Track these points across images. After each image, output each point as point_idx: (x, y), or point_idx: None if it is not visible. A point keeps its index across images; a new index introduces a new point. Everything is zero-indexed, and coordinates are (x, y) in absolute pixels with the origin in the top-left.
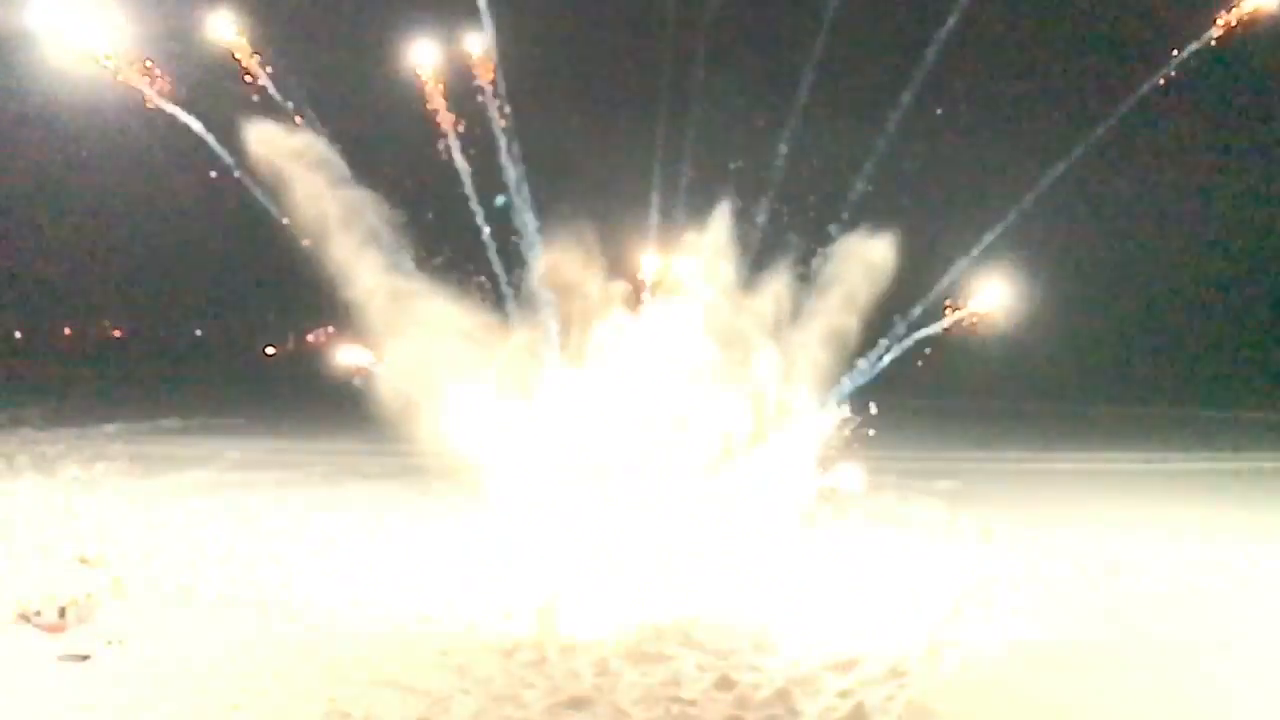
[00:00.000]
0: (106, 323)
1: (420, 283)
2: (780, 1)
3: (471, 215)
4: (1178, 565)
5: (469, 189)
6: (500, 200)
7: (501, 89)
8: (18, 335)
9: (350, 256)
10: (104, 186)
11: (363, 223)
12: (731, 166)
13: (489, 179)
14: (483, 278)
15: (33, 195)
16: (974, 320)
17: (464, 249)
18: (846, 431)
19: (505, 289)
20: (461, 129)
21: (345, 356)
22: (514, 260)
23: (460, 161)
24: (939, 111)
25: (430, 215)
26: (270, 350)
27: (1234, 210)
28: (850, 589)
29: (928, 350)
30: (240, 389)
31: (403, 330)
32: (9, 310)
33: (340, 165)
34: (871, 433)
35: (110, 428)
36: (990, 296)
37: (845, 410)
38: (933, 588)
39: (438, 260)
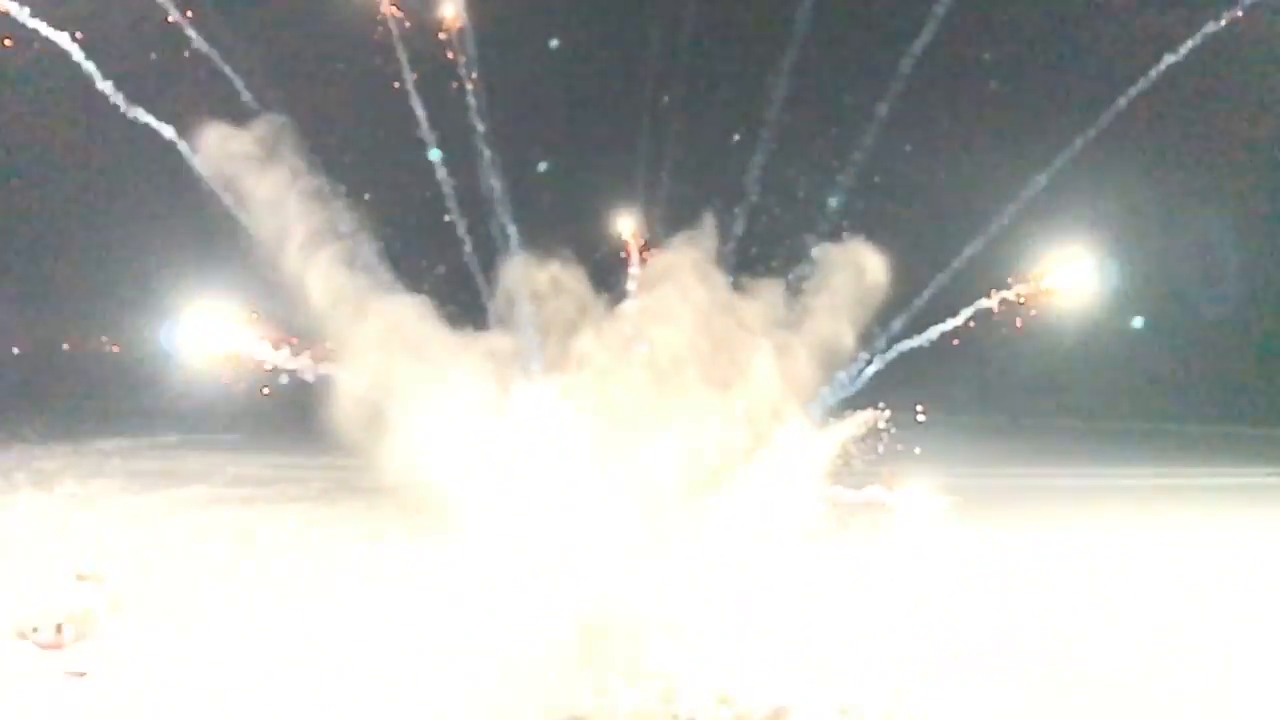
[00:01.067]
0: (104, 338)
1: (390, 286)
2: (764, 13)
3: (452, 226)
4: (1185, 582)
5: (450, 201)
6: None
7: (484, 99)
8: (15, 351)
9: (310, 260)
10: (96, 197)
11: (327, 224)
12: (734, 139)
13: (472, 189)
14: (442, 268)
15: (30, 208)
16: (1038, 297)
17: (442, 257)
18: (879, 446)
19: (485, 300)
20: (437, 134)
21: (224, 342)
22: (493, 268)
23: (442, 173)
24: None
25: (409, 220)
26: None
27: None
28: (851, 604)
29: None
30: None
31: (370, 337)
32: (7, 325)
33: (301, 159)
34: (918, 450)
35: (108, 444)
36: (1069, 273)
37: (880, 417)
38: (934, 603)
39: (390, 230)
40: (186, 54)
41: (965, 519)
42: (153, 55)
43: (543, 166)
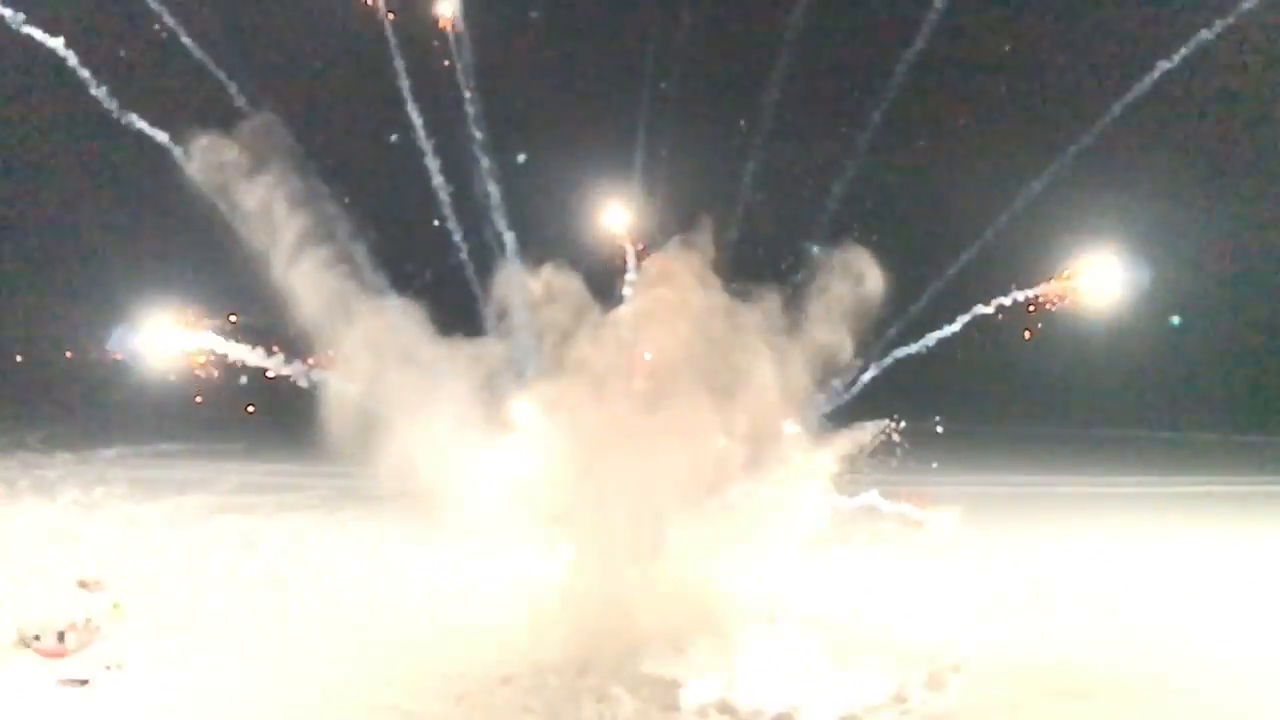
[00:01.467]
0: (108, 346)
1: (385, 291)
2: (762, 19)
3: (448, 232)
4: (1182, 590)
5: (447, 207)
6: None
7: (480, 105)
8: (19, 359)
9: (304, 265)
10: (98, 205)
11: (322, 229)
12: (741, 124)
13: (469, 195)
14: (439, 273)
15: (32, 217)
16: (1067, 296)
17: (438, 263)
18: (893, 462)
19: (481, 305)
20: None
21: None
22: (490, 273)
23: (439, 180)
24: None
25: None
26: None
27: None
28: (852, 613)
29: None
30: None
31: (365, 343)
32: (10, 334)
33: (296, 164)
34: (935, 465)
35: (110, 451)
36: (1100, 275)
37: (891, 428)
38: (935, 612)
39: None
40: (181, 61)
41: (970, 527)
42: (146, 61)
43: (539, 172)
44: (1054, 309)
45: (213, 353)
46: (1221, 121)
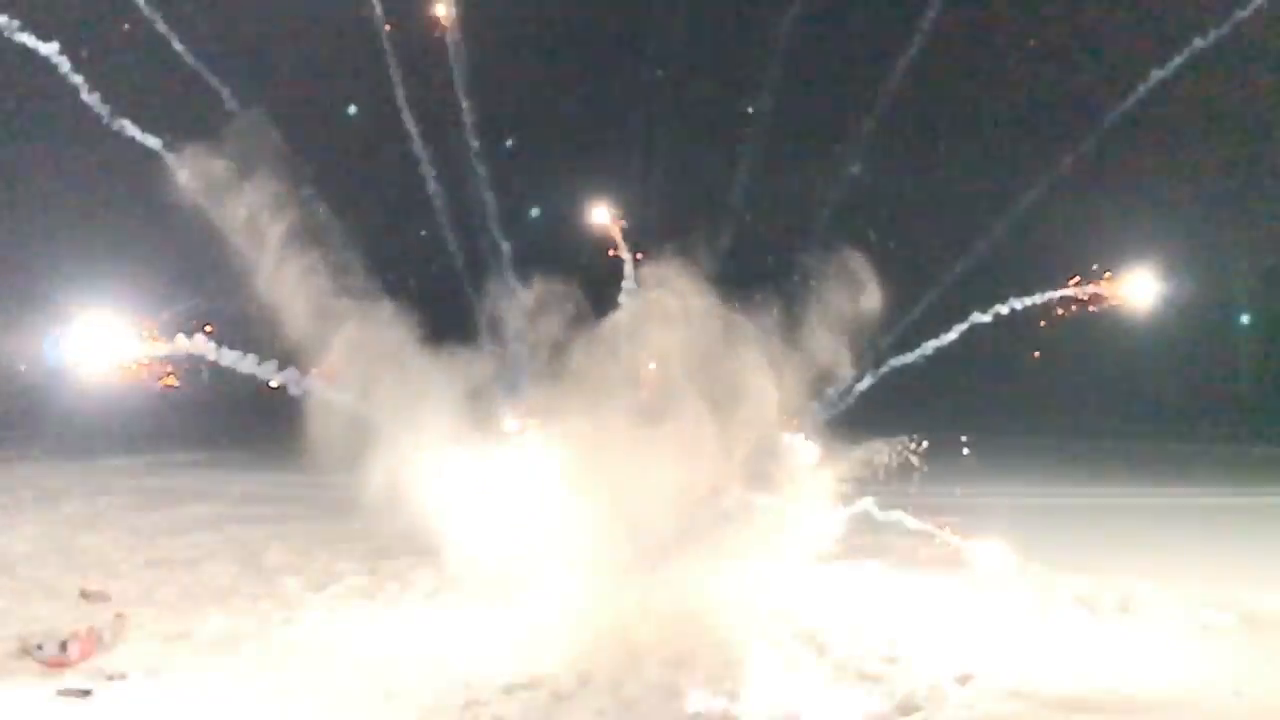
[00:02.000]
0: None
1: (380, 299)
2: (760, 25)
3: (444, 241)
4: (1188, 603)
5: (442, 218)
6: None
7: (475, 115)
8: (22, 368)
9: (295, 275)
10: (98, 210)
11: (315, 238)
12: (750, 110)
13: (461, 204)
14: (435, 283)
15: (34, 225)
16: (1109, 299)
17: (435, 272)
18: (911, 487)
19: (477, 315)
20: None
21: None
22: (485, 283)
23: (434, 188)
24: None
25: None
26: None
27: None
28: (858, 627)
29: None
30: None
31: (360, 353)
32: (12, 343)
33: (289, 171)
34: (959, 492)
35: (113, 462)
36: (1141, 282)
37: (910, 446)
38: (941, 625)
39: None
40: (174, 68)
41: (971, 540)
42: (139, 68)
43: (535, 179)
44: (1097, 308)
45: (187, 362)
46: (1220, 133)
